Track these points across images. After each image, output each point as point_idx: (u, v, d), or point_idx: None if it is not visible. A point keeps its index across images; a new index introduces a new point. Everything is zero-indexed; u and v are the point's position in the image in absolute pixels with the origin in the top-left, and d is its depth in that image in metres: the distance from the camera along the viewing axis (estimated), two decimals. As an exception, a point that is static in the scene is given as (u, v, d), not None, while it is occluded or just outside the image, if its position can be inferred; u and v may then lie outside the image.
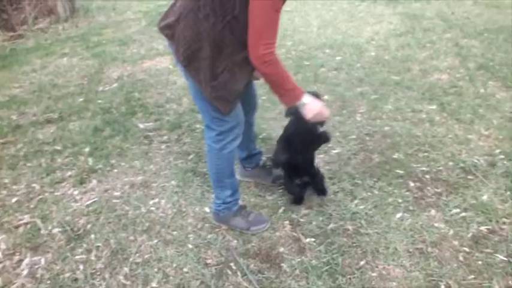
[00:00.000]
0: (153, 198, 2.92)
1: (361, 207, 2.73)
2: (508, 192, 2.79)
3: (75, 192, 3.03)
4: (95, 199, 2.95)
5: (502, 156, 3.15)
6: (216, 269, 2.35)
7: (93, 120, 3.98)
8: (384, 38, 5.91)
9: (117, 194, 2.99)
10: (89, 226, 2.71)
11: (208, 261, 2.41)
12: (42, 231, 2.69)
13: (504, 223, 2.56)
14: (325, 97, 4.19)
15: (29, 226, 2.75)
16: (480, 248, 2.40)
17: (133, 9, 8.47)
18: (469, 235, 2.49)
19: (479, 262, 2.31)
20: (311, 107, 2.21)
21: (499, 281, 2.20)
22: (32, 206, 2.93)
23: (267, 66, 2.05)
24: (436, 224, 2.57)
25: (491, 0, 7.76)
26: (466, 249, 2.40)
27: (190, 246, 2.51)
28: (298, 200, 2.76)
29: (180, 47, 2.11)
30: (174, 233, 2.61)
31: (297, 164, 2.66)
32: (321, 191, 2.81)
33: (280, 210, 2.75)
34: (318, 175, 2.78)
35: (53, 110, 4.22)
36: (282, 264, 2.36)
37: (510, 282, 2.19)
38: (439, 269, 2.28)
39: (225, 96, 2.18)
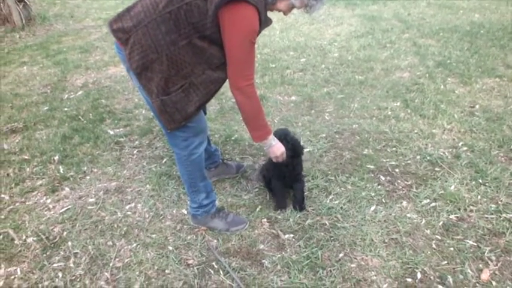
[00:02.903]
0: (129, 203, 2.91)
1: (336, 202, 2.81)
2: (473, 182, 2.94)
3: (48, 201, 2.97)
4: (69, 206, 2.90)
5: (465, 148, 3.31)
6: (198, 268, 2.37)
7: (61, 128, 3.91)
8: (345, 39, 6.08)
9: (91, 200, 2.95)
10: (65, 234, 2.66)
11: (190, 261, 2.42)
12: (15, 241, 2.63)
13: (471, 211, 2.69)
14: (293, 97, 4.28)
15: (0, 237, 2.68)
16: (451, 235, 2.52)
17: (93, 17, 8.35)
18: (440, 223, 2.60)
19: (451, 248, 2.43)
20: (274, 150, 2.40)
21: (471, 264, 2.32)
22: (2, 216, 2.85)
23: (247, 97, 2.12)
24: (408, 215, 2.68)
25: (443, 2, 8.11)
26: (438, 236, 2.51)
27: (170, 248, 2.51)
28: (282, 204, 2.77)
29: (134, 54, 2.02)
30: (153, 236, 2.61)
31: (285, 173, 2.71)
32: (298, 204, 2.77)
33: (258, 209, 2.79)
34: (301, 183, 2.79)
35: (17, 120, 4.12)
36: (263, 261, 2.39)
37: (480, 265, 2.31)
38: (414, 257, 2.37)
39: (173, 114, 2.13)
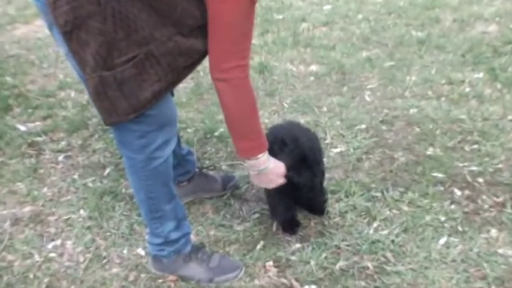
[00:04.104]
0: (52, 240, 2.90)
1: (384, 232, 2.81)
2: None
3: None
4: (-48, 248, 2.91)
5: None
6: None
7: None
8: (394, -27, 6.09)
9: (-10, 237, 2.96)
10: None
11: (151, 332, 2.43)
12: None
13: None
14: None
15: None
16: None
17: None
18: (555, 264, 2.60)
19: None
20: (265, 180, 2.44)
21: None
22: None
23: (234, 88, 2.10)
24: (500, 251, 2.67)
25: None
26: (553, 285, 2.51)
27: (119, 310, 2.52)
28: (292, 225, 2.81)
29: (62, 3, 1.98)
30: (92, 291, 2.62)
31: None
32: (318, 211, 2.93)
33: (259, 246, 2.78)
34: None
35: None
36: (269, 330, 2.41)
37: None
38: (512, 319, 2.38)
39: (117, 100, 2.08)
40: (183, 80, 2.23)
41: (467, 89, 3.92)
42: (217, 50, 2.05)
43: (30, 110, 4.03)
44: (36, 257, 2.81)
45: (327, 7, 5.36)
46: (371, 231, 2.82)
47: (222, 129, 3.64)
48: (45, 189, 3.26)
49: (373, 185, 3.11)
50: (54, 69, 4.62)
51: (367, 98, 3.90)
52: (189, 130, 3.66)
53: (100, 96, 2.08)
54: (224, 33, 2.03)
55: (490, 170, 3.17)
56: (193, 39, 2.09)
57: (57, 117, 3.93)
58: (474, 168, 3.19)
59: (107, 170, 3.39)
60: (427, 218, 2.87)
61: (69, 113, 3.97)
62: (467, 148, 3.36)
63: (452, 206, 2.94)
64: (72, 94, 4.22)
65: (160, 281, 2.63)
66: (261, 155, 2.31)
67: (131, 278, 2.66)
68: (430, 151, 3.35)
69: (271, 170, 2.37)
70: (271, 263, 2.69)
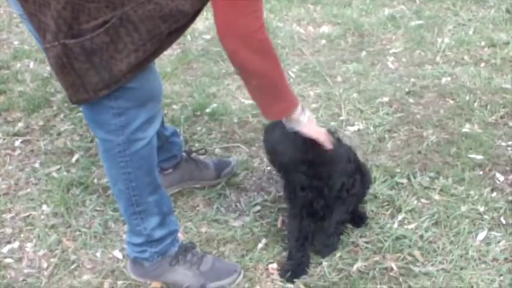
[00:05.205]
0: (8, 242, 2.92)
1: (411, 226, 2.83)
2: None
3: None
4: None
5: None
6: None
7: None
8: None
9: None
10: None
11: None
12: None
13: None
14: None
15: None
16: None
17: None
18: None
19: None
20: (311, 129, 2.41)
21: None
22: None
23: (258, 52, 2.10)
24: (553, 248, 2.70)
25: None
26: None
27: (91, 325, 2.55)
28: (298, 271, 2.71)
29: None
30: (58, 303, 2.64)
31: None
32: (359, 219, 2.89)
33: (260, 245, 2.80)
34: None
35: None
36: None
37: None
38: None
39: (86, 74, 2.08)
40: (167, 49, 2.21)
41: (512, 53, 3.95)
42: (227, 11, 2.04)
43: (-23, 85, 4.04)
44: (-11, 263, 2.82)
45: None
46: (395, 225, 2.84)
47: (214, 105, 3.64)
48: (-2, 181, 3.28)
49: (398, 170, 3.13)
50: (7, 34, 4.62)
51: (390, 65, 3.92)
52: (174, 106, 3.67)
53: (64, 70, 2.07)
54: None
55: (540, 149, 3.20)
56: None
57: (12, 93, 3.93)
58: (520, 148, 3.22)
59: (75, 157, 3.39)
60: (463, 208, 2.89)
61: (28, 88, 3.97)
62: (511, 124, 3.39)
63: (494, 194, 2.96)
64: (31, 65, 4.22)
65: (141, 288, 2.66)
66: (293, 113, 2.31)
67: (106, 286, 2.67)
68: (466, 128, 3.37)
69: (308, 125, 2.39)
70: (274, 265, 2.70)
